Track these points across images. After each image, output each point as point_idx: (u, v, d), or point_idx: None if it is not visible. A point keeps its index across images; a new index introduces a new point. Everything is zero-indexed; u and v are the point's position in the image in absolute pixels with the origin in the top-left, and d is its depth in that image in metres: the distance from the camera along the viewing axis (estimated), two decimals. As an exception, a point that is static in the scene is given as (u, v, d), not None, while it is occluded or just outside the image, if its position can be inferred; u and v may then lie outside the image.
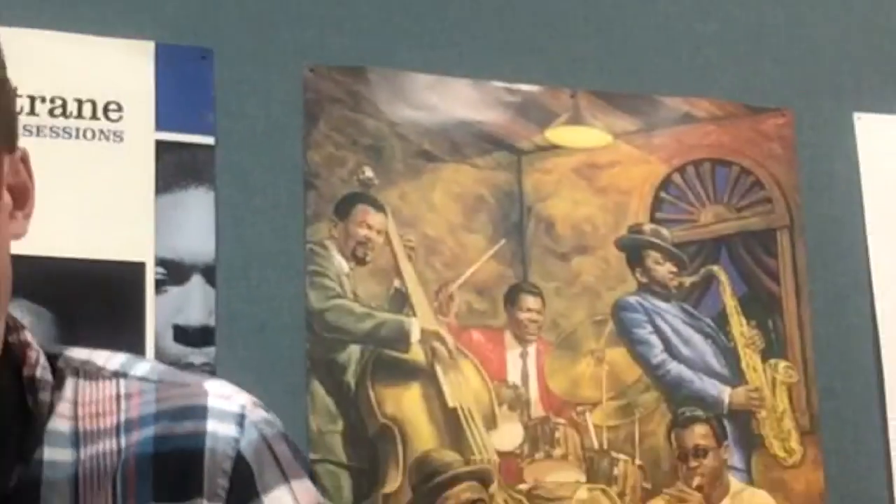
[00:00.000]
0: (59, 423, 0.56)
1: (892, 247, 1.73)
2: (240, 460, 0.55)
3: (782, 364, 1.57)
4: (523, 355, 1.48)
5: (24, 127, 1.35)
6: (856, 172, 1.67)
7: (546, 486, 1.45)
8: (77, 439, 0.56)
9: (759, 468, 1.54)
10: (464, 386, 1.46)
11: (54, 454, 0.54)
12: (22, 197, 0.59)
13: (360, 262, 1.42)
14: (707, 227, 1.65)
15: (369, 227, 1.43)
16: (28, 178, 0.60)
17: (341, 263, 1.43)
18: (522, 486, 1.44)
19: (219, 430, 0.56)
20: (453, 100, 1.54)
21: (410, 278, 1.46)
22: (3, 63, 0.57)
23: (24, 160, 0.60)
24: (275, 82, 1.42)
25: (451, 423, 1.43)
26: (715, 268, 1.60)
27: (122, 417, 0.57)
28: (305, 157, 1.42)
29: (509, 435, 1.46)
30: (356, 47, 1.51)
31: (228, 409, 0.57)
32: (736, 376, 1.56)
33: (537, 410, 1.47)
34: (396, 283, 1.45)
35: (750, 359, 1.57)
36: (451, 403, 1.43)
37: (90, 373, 0.60)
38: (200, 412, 0.57)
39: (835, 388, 1.58)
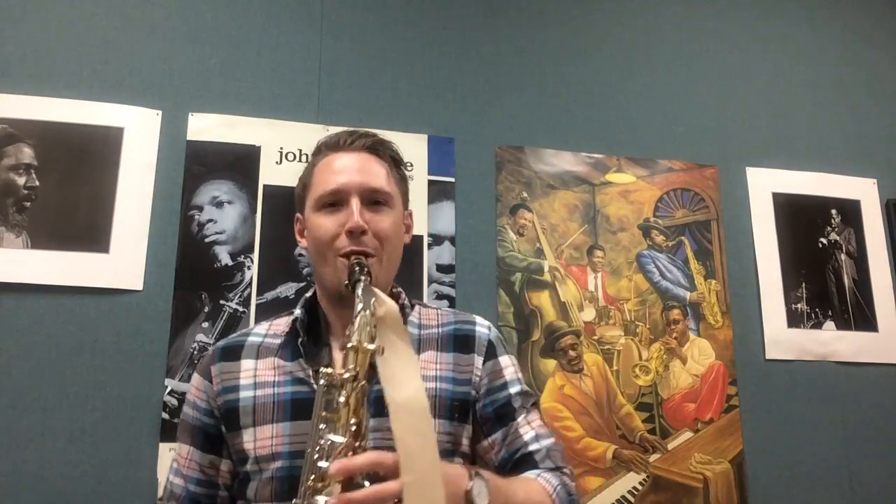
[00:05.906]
0: (411, 322, 1.05)
1: (766, 225, 2.20)
2: (489, 341, 1.08)
3: (713, 281, 2.17)
4: (595, 278, 2.11)
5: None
6: (745, 196, 2.26)
7: (606, 338, 2.07)
8: (419, 328, 1.06)
9: (703, 329, 2.13)
10: (568, 291, 2.07)
11: (411, 331, 1.02)
12: (408, 229, 1.11)
13: (521, 235, 2.09)
14: (678, 219, 2.21)
15: (525, 219, 2.10)
16: (410, 220, 1.12)
17: (512, 235, 2.09)
18: (594, 338, 2.05)
19: (481, 329, 1.09)
20: (562, 160, 2.17)
21: (544, 243, 2.11)
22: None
23: (409, 214, 1.09)
24: (482, 153, 2.15)
25: (562, 308, 2.06)
26: (683, 238, 2.17)
27: (440, 320, 1.09)
28: (496, 187, 2.10)
29: (589, 313, 2.08)
30: (519, 135, 2.19)
31: (484, 323, 1.11)
32: (692, 287, 2.16)
33: (602, 302, 2.09)
34: (537, 245, 2.09)
35: (699, 279, 2.17)
36: (562, 299, 2.06)
37: (425, 305, 1.12)
38: (472, 322, 1.11)
39: (737, 292, 2.19)
